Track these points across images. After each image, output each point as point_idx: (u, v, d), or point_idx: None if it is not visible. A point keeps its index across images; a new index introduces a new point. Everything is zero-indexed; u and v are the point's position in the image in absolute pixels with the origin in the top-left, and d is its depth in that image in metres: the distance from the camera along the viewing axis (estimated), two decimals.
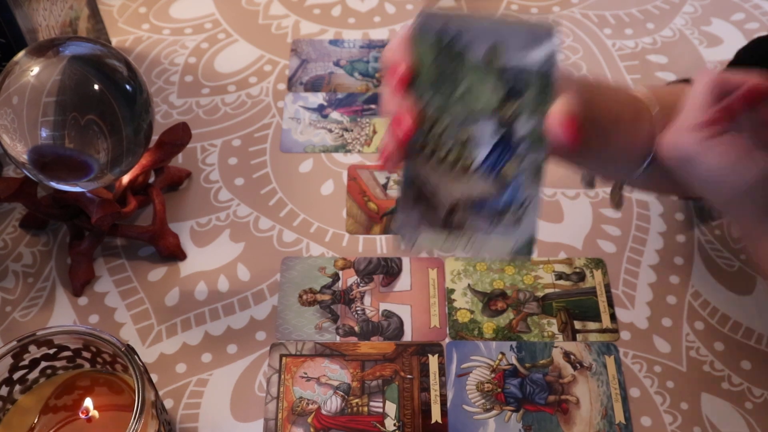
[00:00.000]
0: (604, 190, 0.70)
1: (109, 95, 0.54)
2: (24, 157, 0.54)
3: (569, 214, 0.68)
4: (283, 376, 0.58)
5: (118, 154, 0.55)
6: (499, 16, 0.39)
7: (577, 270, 0.64)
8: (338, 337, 0.60)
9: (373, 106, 0.76)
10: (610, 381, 0.58)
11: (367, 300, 0.62)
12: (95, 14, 0.77)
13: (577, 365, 0.59)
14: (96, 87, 0.54)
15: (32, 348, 0.50)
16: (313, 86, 0.78)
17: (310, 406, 0.57)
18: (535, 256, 0.65)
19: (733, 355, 0.60)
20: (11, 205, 0.69)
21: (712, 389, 0.58)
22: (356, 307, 0.62)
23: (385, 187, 0.70)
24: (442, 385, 0.58)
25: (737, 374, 0.59)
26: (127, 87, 0.55)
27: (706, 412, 0.57)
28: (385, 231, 0.67)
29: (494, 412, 0.57)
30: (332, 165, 0.72)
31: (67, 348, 0.51)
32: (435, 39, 0.39)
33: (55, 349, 0.51)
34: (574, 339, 0.60)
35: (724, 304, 0.62)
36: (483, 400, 0.57)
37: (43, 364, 0.52)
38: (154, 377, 0.58)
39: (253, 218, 0.68)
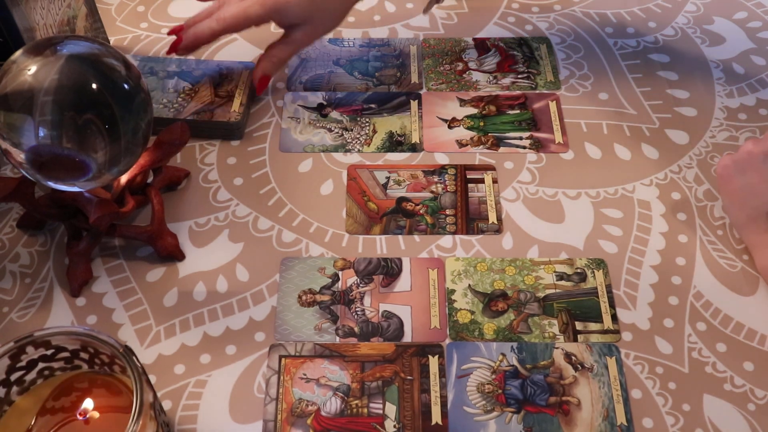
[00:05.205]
0: (605, 191, 0.69)
1: (107, 94, 0.54)
2: (21, 157, 0.53)
3: (570, 214, 0.68)
4: (282, 378, 0.58)
5: (117, 154, 0.55)
6: None
7: (579, 270, 0.64)
8: (338, 338, 0.60)
9: (372, 106, 0.76)
10: (612, 382, 0.58)
11: (367, 301, 0.62)
12: (93, 13, 0.77)
13: (579, 366, 0.59)
14: (94, 86, 0.53)
15: (29, 349, 0.49)
16: (313, 85, 0.78)
17: (310, 408, 0.56)
18: (536, 257, 0.65)
19: (736, 357, 0.59)
20: (8, 205, 0.68)
21: (714, 391, 0.58)
22: (356, 307, 0.62)
23: (384, 186, 0.69)
24: (443, 387, 0.58)
25: (740, 376, 0.58)
26: (126, 86, 0.55)
27: (709, 414, 0.56)
28: (385, 231, 0.66)
29: (495, 413, 0.56)
30: (332, 165, 0.71)
31: (64, 349, 0.51)
32: None
33: (52, 350, 0.50)
34: (575, 340, 0.60)
35: (727, 305, 0.62)
36: (483, 402, 0.57)
37: (41, 365, 0.51)
38: (153, 378, 0.58)
39: (252, 218, 0.67)
